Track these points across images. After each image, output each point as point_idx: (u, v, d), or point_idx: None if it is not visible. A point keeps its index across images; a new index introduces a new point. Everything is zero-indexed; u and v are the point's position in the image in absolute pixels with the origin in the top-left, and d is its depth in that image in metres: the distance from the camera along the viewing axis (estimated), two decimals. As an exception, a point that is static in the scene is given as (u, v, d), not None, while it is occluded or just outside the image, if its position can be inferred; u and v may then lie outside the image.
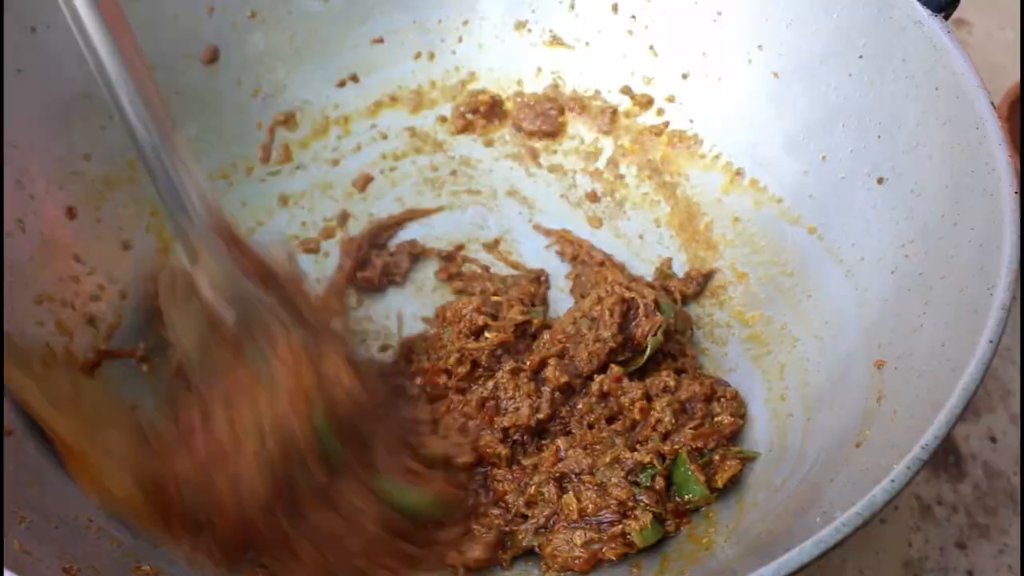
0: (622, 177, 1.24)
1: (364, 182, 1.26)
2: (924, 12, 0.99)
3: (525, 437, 1.02)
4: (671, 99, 1.22)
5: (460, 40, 1.28)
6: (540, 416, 1.02)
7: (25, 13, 1.07)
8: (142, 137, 0.91)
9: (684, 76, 1.21)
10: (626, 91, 1.25)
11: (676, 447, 0.99)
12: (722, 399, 1.05)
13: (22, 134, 1.07)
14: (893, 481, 0.74)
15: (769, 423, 1.03)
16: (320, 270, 1.21)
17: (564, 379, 1.03)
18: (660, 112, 1.23)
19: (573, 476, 0.99)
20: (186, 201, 0.92)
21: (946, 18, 0.99)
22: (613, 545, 0.94)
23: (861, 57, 1.05)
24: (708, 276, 1.16)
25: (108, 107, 1.12)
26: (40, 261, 1.06)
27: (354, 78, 1.28)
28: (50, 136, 1.10)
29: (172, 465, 0.90)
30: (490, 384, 1.04)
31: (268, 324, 0.93)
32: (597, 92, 1.26)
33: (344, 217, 1.24)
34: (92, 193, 1.13)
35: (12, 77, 1.06)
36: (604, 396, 1.03)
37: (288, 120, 1.25)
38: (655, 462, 0.98)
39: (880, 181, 1.02)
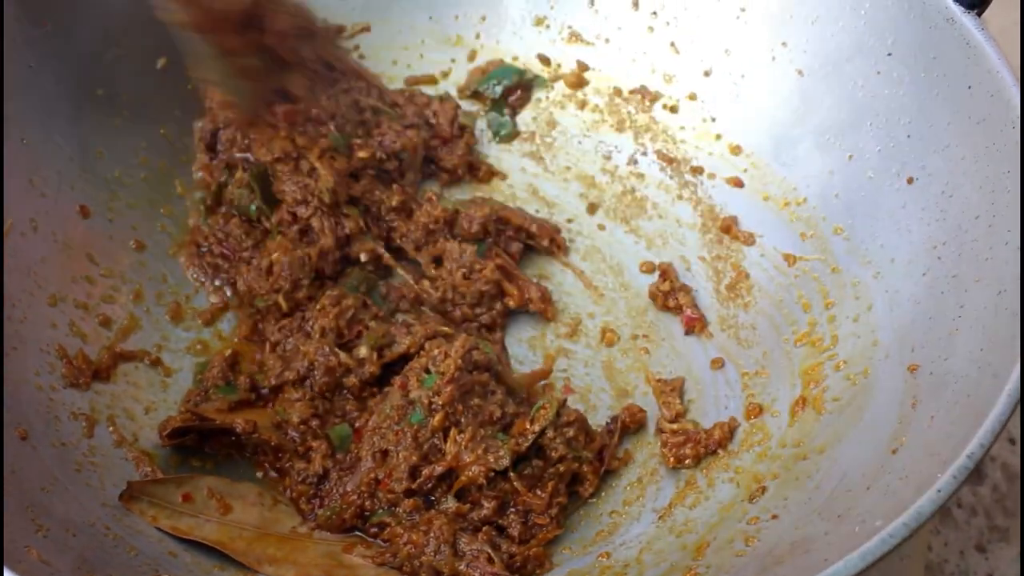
0: (642, 176, 1.23)
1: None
2: (956, 9, 0.97)
3: None
4: (692, 97, 1.20)
5: (478, 36, 1.26)
6: None
7: (37, 8, 1.05)
8: None
9: (706, 74, 1.19)
10: (646, 89, 1.23)
11: None
12: None
13: (34, 131, 1.06)
14: (939, 491, 0.72)
15: (799, 425, 1.01)
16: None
17: None
18: (681, 110, 1.21)
19: None
20: None
21: (979, 15, 0.97)
22: None
23: (890, 55, 1.04)
24: None
25: (120, 104, 1.13)
26: (53, 261, 1.05)
27: (370, 74, 1.27)
28: (62, 133, 1.08)
29: None
30: None
31: None
32: (617, 90, 1.24)
33: None
34: (105, 192, 1.11)
35: (24, 72, 1.05)
36: None
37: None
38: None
39: (910, 181, 1.01)
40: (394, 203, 1.16)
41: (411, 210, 1.17)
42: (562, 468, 1.00)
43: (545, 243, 1.19)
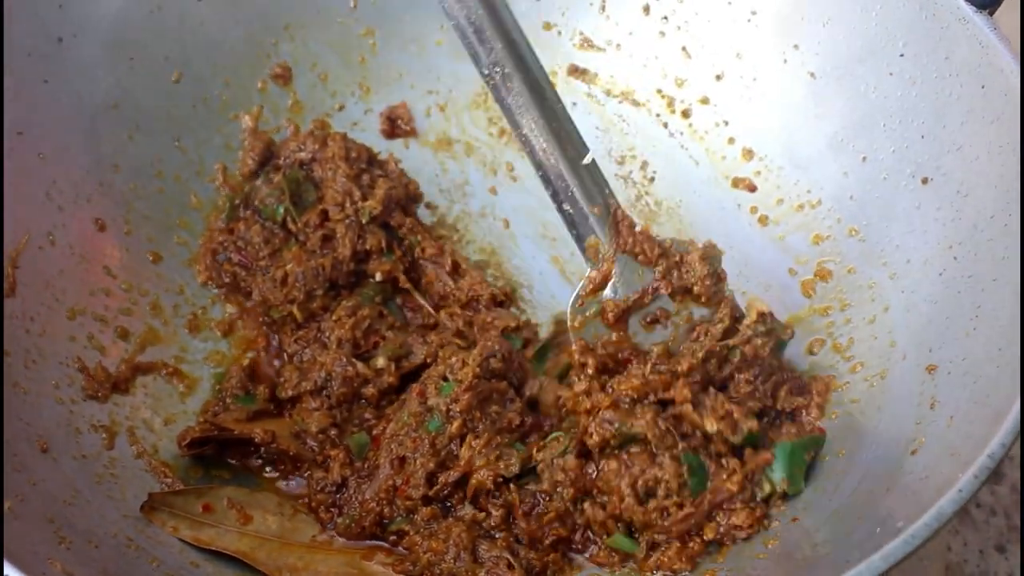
0: (653, 180, 1.23)
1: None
2: (968, 9, 0.97)
3: None
4: (704, 101, 1.20)
5: (489, 44, 1.26)
6: None
7: (52, 23, 1.06)
8: (548, 166, 1.02)
9: (718, 77, 1.19)
10: (658, 93, 1.23)
11: None
12: None
13: (50, 145, 1.06)
14: (961, 491, 0.72)
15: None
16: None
17: None
18: (693, 114, 1.21)
19: None
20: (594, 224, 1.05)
21: (991, 14, 0.97)
22: None
23: (902, 56, 1.03)
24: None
25: (136, 117, 1.13)
26: (71, 274, 1.05)
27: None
28: (78, 147, 1.09)
29: None
30: None
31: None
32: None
33: None
34: (121, 205, 1.12)
35: (39, 87, 1.05)
36: None
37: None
38: None
39: (924, 182, 1.01)
40: (426, 254, 1.17)
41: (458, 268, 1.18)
42: (550, 507, 0.98)
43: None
